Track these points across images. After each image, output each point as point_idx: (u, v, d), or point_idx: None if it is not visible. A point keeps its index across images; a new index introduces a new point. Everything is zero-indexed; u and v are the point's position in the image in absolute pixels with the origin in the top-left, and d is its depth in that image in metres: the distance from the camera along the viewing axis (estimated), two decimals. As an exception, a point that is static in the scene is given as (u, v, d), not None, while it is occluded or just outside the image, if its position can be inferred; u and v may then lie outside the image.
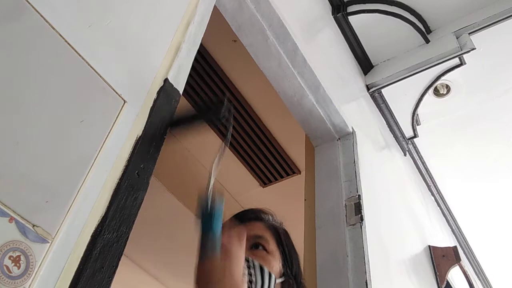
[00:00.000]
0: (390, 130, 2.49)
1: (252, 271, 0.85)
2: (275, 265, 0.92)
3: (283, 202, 2.88)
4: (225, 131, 0.85)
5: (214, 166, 0.77)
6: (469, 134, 2.68)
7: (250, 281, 0.84)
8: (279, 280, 0.90)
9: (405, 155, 2.61)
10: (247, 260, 0.86)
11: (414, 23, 2.21)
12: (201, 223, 0.70)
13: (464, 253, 3.24)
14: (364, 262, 1.43)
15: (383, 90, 2.34)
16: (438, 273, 2.26)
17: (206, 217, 0.70)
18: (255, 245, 0.93)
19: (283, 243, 0.97)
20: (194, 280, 0.64)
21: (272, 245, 0.95)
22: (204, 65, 2.37)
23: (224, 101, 0.82)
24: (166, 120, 0.87)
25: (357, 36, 2.31)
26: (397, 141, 2.53)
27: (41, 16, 0.68)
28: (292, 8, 1.72)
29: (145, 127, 0.81)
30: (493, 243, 3.31)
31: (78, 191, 0.66)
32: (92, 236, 0.66)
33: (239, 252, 0.68)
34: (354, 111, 2.05)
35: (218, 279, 0.62)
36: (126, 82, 0.80)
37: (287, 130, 2.68)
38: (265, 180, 3.07)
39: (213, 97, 0.83)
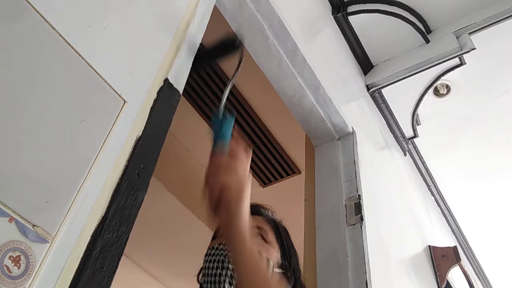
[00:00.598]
0: (390, 130, 2.49)
1: None
2: (273, 254, 0.93)
3: (283, 202, 2.88)
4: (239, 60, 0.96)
5: (229, 84, 0.89)
6: (469, 134, 2.68)
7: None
8: (277, 270, 0.91)
9: (405, 155, 2.61)
10: None
11: (414, 23, 2.21)
12: (213, 129, 0.80)
13: (464, 253, 3.24)
14: (364, 262, 1.43)
15: (383, 90, 2.34)
16: (438, 273, 2.26)
17: (218, 123, 0.80)
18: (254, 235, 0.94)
19: (282, 237, 0.98)
20: (204, 175, 0.72)
21: (271, 237, 0.96)
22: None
23: (236, 41, 0.94)
24: (166, 120, 0.87)
25: (357, 36, 2.31)
26: (397, 141, 2.53)
27: (41, 16, 0.68)
28: (292, 8, 1.72)
29: (145, 127, 0.81)
30: (493, 243, 3.31)
31: (78, 191, 0.66)
32: (92, 236, 0.66)
33: (244, 156, 0.75)
34: (354, 111, 2.05)
35: (225, 170, 0.71)
36: (126, 82, 0.80)
37: (287, 130, 2.68)
38: (265, 180, 3.07)
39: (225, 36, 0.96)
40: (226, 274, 0.86)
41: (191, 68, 0.95)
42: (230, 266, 0.86)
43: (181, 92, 0.94)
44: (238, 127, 2.69)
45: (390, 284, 1.71)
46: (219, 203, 0.69)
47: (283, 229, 1.02)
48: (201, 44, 1.00)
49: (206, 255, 0.94)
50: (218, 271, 0.87)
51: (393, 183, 2.30)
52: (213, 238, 1.01)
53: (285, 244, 0.98)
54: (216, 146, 0.78)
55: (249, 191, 0.72)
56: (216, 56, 1.00)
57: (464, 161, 2.84)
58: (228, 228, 0.69)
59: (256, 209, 1.03)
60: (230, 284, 0.84)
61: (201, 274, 0.93)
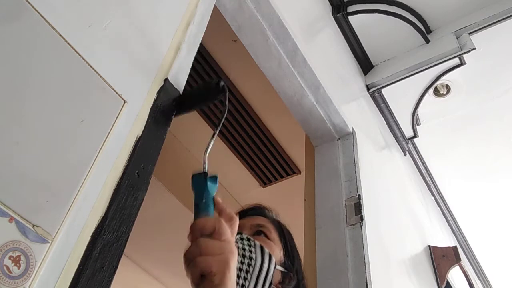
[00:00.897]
0: (390, 130, 2.49)
1: (253, 249, 0.86)
2: (276, 251, 0.92)
3: (283, 202, 2.88)
4: (219, 114, 0.88)
5: (210, 146, 0.75)
6: (469, 134, 2.68)
7: (251, 258, 0.84)
8: (279, 268, 0.90)
9: (405, 155, 2.61)
10: (248, 239, 0.87)
11: (414, 23, 2.21)
12: (195, 186, 0.67)
13: (464, 253, 3.24)
14: (364, 262, 1.43)
15: (383, 90, 2.34)
16: (438, 273, 2.26)
17: (201, 180, 0.67)
18: (257, 233, 0.93)
19: (285, 237, 0.98)
20: (188, 237, 0.60)
21: (274, 235, 0.95)
22: (204, 65, 2.37)
23: (220, 83, 0.84)
24: (166, 120, 0.87)
25: (357, 36, 2.31)
26: (397, 141, 2.53)
27: (41, 16, 0.68)
28: (292, 8, 1.72)
29: (145, 127, 0.81)
30: (493, 243, 3.31)
31: (78, 191, 0.66)
32: (92, 236, 0.66)
33: (229, 231, 0.61)
34: (354, 111, 2.05)
35: (212, 230, 0.59)
36: (126, 82, 0.80)
37: (287, 130, 2.68)
38: (265, 180, 3.07)
39: (210, 80, 0.86)
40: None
41: (175, 113, 0.89)
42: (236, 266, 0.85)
43: (181, 92, 0.94)
44: (239, 128, 2.69)
45: (390, 284, 1.71)
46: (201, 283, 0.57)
47: (287, 231, 1.01)
48: (184, 88, 0.94)
49: None
50: None
51: (393, 183, 2.30)
52: None
53: (288, 245, 0.97)
54: (198, 212, 0.65)
55: (235, 267, 0.59)
56: (201, 100, 0.90)
57: (464, 161, 2.84)
58: None
59: (259, 211, 1.03)
60: (238, 277, 0.84)
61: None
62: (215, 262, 0.57)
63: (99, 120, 0.73)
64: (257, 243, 0.87)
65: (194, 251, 0.58)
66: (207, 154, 0.71)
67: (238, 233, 0.87)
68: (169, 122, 0.88)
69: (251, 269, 0.83)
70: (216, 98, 0.85)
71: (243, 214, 1.01)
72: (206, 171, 0.68)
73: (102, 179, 0.70)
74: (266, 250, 0.87)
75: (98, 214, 0.68)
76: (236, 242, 0.86)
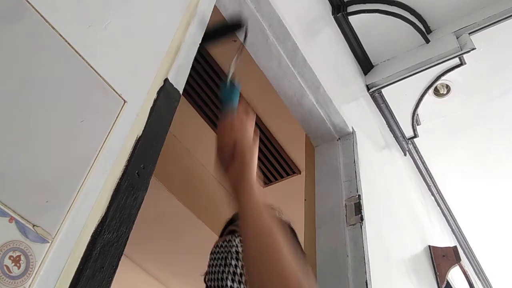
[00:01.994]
0: (390, 130, 2.49)
1: None
2: None
3: (283, 202, 2.88)
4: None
5: (235, 59, 1.00)
6: (469, 134, 2.68)
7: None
8: None
9: (405, 155, 2.61)
10: None
11: (414, 23, 2.21)
12: (222, 94, 0.88)
13: (464, 253, 3.24)
14: (364, 262, 1.43)
15: (383, 90, 2.34)
16: (438, 273, 2.26)
17: (227, 91, 0.89)
18: None
19: (289, 236, 0.97)
20: (216, 136, 0.79)
21: None
22: (204, 65, 2.37)
23: (241, 19, 1.05)
24: (166, 120, 0.87)
25: (357, 36, 2.31)
26: (397, 141, 2.53)
27: (41, 16, 0.68)
28: (292, 8, 1.72)
29: (145, 127, 0.81)
30: (493, 243, 3.31)
31: (78, 191, 0.66)
32: (92, 236, 0.66)
33: (251, 119, 0.83)
34: (354, 111, 2.05)
35: (236, 128, 0.78)
36: (126, 82, 0.80)
37: (287, 130, 2.68)
38: (265, 180, 3.07)
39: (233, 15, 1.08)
40: (228, 271, 0.85)
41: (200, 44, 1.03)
42: (233, 263, 0.86)
43: (181, 92, 0.94)
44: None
45: (390, 284, 1.71)
46: (232, 157, 0.75)
47: (291, 230, 1.01)
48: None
49: (210, 253, 0.94)
50: (221, 268, 0.87)
51: (393, 183, 2.30)
52: (220, 236, 1.00)
53: (292, 243, 0.96)
54: (225, 110, 0.86)
55: (257, 146, 0.79)
56: (222, 34, 1.09)
57: (464, 161, 2.84)
58: (240, 180, 0.72)
59: None
60: (233, 281, 0.84)
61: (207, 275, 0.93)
62: (245, 134, 0.78)
63: (99, 120, 0.73)
64: None
65: (226, 128, 0.79)
66: (232, 65, 0.95)
67: (239, 235, 0.88)
68: (169, 122, 0.88)
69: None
70: (237, 31, 1.05)
71: None
72: (230, 83, 0.90)
73: (102, 179, 0.70)
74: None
75: (98, 214, 0.68)
76: (237, 246, 0.86)
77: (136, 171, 0.76)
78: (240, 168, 0.74)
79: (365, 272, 1.41)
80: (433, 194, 2.94)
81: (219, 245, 0.92)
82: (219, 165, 0.77)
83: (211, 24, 1.08)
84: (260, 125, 2.70)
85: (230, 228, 0.97)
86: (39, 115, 0.64)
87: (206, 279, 0.91)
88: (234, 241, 0.89)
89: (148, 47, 0.89)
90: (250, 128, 0.80)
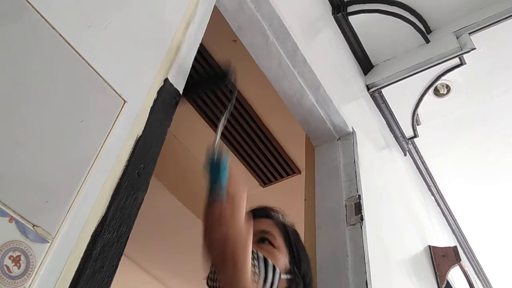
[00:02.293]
0: (390, 130, 2.49)
1: (256, 262, 0.84)
2: (281, 260, 0.90)
3: (283, 202, 2.88)
4: (229, 95, 0.95)
5: (220, 125, 0.87)
6: (469, 134, 2.68)
7: (254, 272, 0.82)
8: (284, 277, 0.88)
9: (405, 155, 2.61)
10: (252, 252, 0.85)
11: (414, 23, 2.21)
12: (208, 173, 0.75)
13: (464, 253, 3.24)
14: (364, 262, 1.43)
15: (383, 90, 2.34)
16: (438, 273, 2.26)
17: (213, 167, 0.74)
18: (261, 240, 0.91)
19: (291, 241, 0.95)
20: (202, 226, 0.69)
21: (279, 241, 0.93)
22: (204, 65, 2.37)
23: (229, 69, 0.91)
24: (166, 120, 0.87)
25: (357, 36, 2.31)
26: (397, 141, 2.53)
27: (41, 16, 0.68)
28: (292, 8, 1.72)
29: (145, 127, 0.81)
30: (493, 243, 3.31)
31: (78, 191, 0.66)
32: (92, 236, 0.66)
33: (243, 201, 0.72)
34: (354, 111, 2.05)
35: (225, 220, 0.67)
36: (126, 82, 0.80)
37: (287, 130, 2.68)
38: (265, 180, 3.07)
39: (219, 64, 0.96)
40: None
41: (183, 95, 0.93)
42: None
43: (181, 92, 0.94)
44: (239, 127, 2.69)
45: (390, 284, 1.71)
46: (222, 259, 0.66)
47: (293, 233, 0.98)
48: (190, 74, 0.99)
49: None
50: None
51: (393, 183, 2.30)
52: None
53: (294, 249, 0.94)
54: (213, 192, 0.71)
55: (251, 238, 0.69)
56: (208, 85, 0.98)
57: (464, 161, 2.84)
58: (235, 282, 0.65)
59: (265, 212, 1.01)
60: None
61: (209, 278, 0.91)
62: (236, 229, 0.67)
63: (99, 120, 0.73)
64: (261, 255, 0.86)
65: (215, 219, 0.67)
66: (216, 143, 0.79)
67: None
68: (169, 122, 0.88)
69: (254, 284, 0.82)
70: (223, 85, 0.91)
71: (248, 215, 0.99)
72: (216, 158, 0.75)
73: (102, 179, 0.70)
74: (270, 262, 0.86)
75: (98, 214, 0.68)
76: None
77: (136, 171, 0.76)
78: (232, 272, 0.65)
79: (365, 272, 1.41)
80: (433, 194, 2.94)
81: None
82: (207, 265, 0.69)
83: (197, 74, 1.00)
84: (260, 125, 2.70)
85: None
86: (39, 115, 0.64)
87: (210, 285, 0.90)
88: None
89: (148, 47, 0.89)
90: (241, 216, 0.69)
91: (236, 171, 0.75)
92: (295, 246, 0.95)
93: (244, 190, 0.74)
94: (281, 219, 1.00)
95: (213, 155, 0.75)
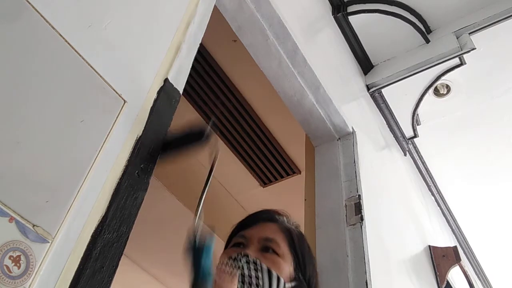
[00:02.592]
0: (390, 130, 2.49)
1: (260, 274, 0.83)
2: (286, 268, 0.89)
3: (283, 202, 2.88)
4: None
5: (200, 206, 0.79)
6: (469, 134, 2.68)
7: (257, 285, 0.82)
8: (289, 285, 0.87)
9: (405, 155, 2.61)
10: (254, 263, 0.85)
11: (414, 23, 2.21)
12: (190, 260, 0.68)
13: (464, 253, 3.24)
14: (364, 262, 1.43)
15: (383, 90, 2.34)
16: (438, 273, 2.26)
17: (196, 253, 0.68)
18: (265, 248, 0.90)
19: (295, 246, 0.94)
20: None
21: (284, 248, 0.92)
22: (204, 65, 2.37)
23: (207, 128, 0.82)
24: (166, 120, 0.87)
25: (357, 36, 2.31)
26: (397, 141, 2.53)
27: (41, 16, 0.68)
28: (292, 8, 1.72)
29: (145, 127, 0.81)
30: (493, 243, 3.31)
31: (78, 191, 0.66)
32: (92, 236, 0.66)
33: None
34: (354, 111, 2.05)
35: None
36: (126, 82, 0.80)
37: (287, 130, 2.68)
38: (265, 180, 3.07)
39: (197, 121, 0.81)
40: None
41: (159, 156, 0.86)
42: (239, 286, 0.83)
43: (181, 92, 0.94)
44: (238, 127, 2.69)
45: (390, 284, 1.71)
46: None
47: (298, 237, 0.97)
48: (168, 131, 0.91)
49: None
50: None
51: (393, 183, 2.30)
52: (225, 247, 0.98)
53: (300, 254, 0.93)
54: (196, 283, 0.65)
55: None
56: (183, 144, 0.86)
57: (464, 161, 2.84)
58: None
59: (270, 216, 0.99)
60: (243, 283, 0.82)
61: None
62: None
63: (99, 120, 0.73)
64: (264, 267, 0.85)
65: None
66: (197, 225, 0.71)
67: (245, 255, 0.86)
68: (169, 122, 0.88)
69: None
70: (200, 144, 0.81)
71: (253, 219, 0.97)
72: (198, 243, 0.67)
73: (102, 179, 0.70)
74: (274, 274, 0.85)
75: (98, 214, 0.68)
76: (243, 268, 0.84)
77: (136, 171, 0.76)
78: None
79: (365, 272, 1.41)
80: (433, 194, 2.94)
81: (224, 263, 0.89)
82: None
83: (172, 131, 0.90)
84: (260, 125, 2.70)
85: (236, 241, 0.95)
86: (39, 115, 0.64)
87: None
88: (240, 261, 0.87)
89: (148, 47, 0.89)
90: None
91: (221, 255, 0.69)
92: (300, 251, 0.94)
93: (232, 276, 0.67)
94: (285, 223, 0.98)
95: (194, 238, 0.67)
